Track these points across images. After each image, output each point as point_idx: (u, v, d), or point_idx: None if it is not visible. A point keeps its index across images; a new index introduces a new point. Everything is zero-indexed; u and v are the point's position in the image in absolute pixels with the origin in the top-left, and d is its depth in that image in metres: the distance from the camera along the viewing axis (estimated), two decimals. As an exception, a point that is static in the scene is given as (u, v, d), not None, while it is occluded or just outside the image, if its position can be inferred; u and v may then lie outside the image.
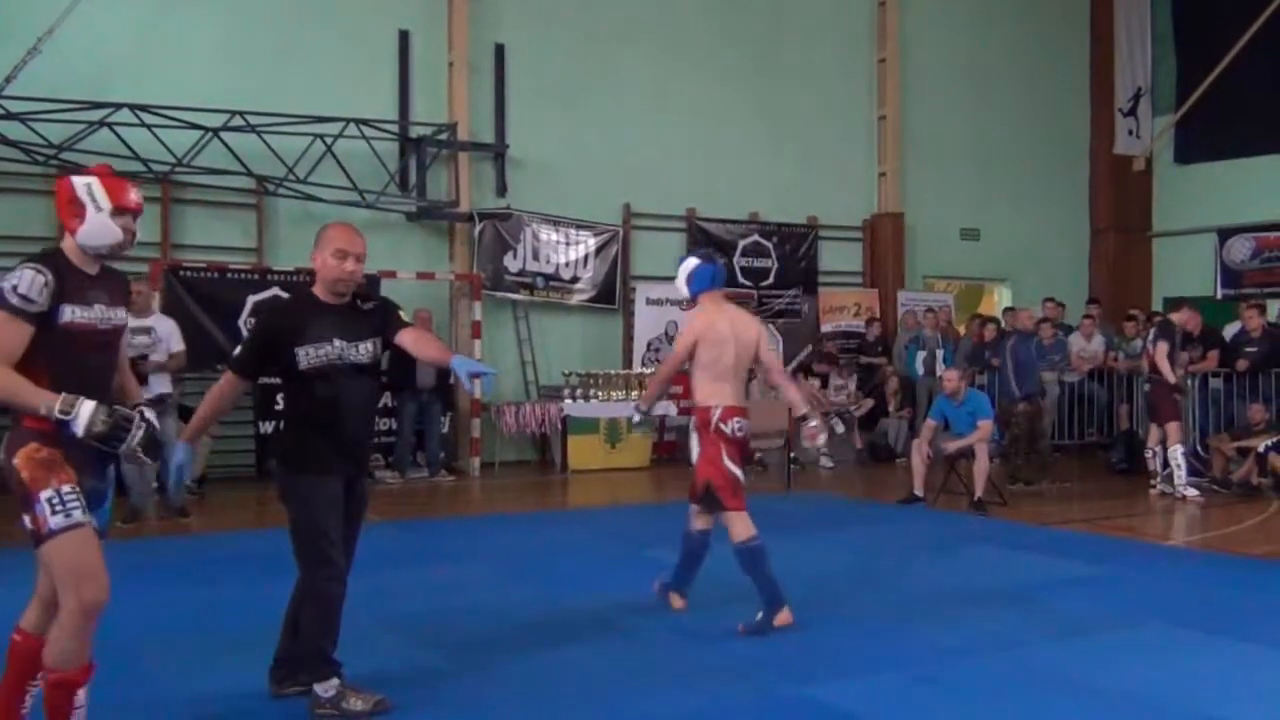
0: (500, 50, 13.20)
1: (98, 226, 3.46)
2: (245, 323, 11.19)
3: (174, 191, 11.53)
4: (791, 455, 11.69)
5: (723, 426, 5.41)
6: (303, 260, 11.75)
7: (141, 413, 3.47)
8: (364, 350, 4.18)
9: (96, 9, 10.62)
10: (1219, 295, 15.86)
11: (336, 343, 4.12)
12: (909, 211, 15.70)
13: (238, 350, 4.36)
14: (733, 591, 6.34)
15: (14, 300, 3.33)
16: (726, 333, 5.45)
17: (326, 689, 4.09)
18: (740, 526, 5.43)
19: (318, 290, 4.24)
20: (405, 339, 4.24)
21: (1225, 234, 16.10)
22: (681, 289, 5.69)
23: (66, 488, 3.31)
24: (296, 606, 4.28)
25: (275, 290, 11.06)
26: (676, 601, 5.83)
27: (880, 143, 15.68)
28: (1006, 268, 16.71)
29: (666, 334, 13.85)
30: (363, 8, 12.52)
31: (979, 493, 9.37)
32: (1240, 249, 16.13)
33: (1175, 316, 10.62)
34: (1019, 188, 16.55)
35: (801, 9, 15.22)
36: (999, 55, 16.54)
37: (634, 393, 12.72)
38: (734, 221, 14.70)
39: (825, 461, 12.78)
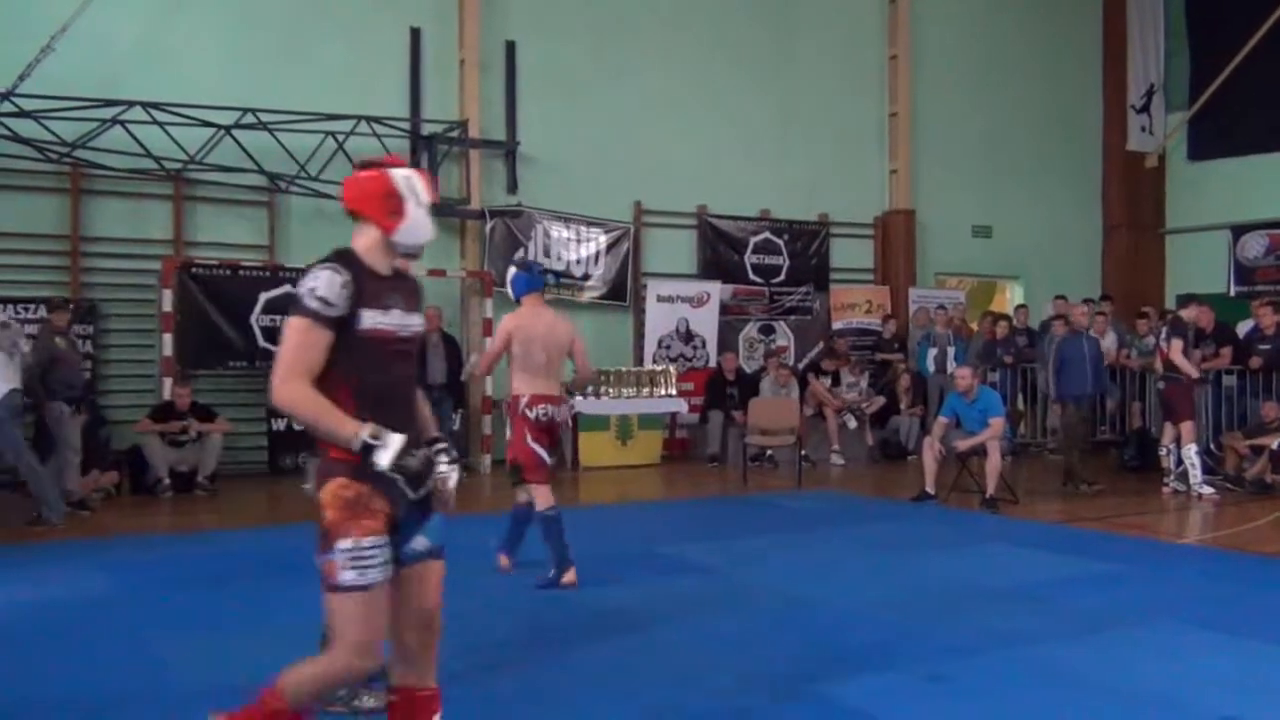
0: (511, 47, 13.20)
1: (418, 222, 3.16)
2: (257, 320, 11.25)
3: (186, 189, 11.57)
4: (803, 453, 11.68)
5: (528, 412, 6.27)
6: (314, 257, 11.83)
7: (448, 451, 3.20)
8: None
9: (109, 7, 10.66)
10: (1232, 292, 15.78)
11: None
12: (920, 208, 15.66)
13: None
14: (740, 593, 6.35)
15: (313, 304, 2.97)
16: (538, 331, 6.30)
17: None
18: (541, 498, 6.32)
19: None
20: None
21: (1239, 231, 16.01)
22: (509, 292, 6.63)
23: (368, 541, 2.97)
24: None
25: (287, 287, 11.09)
26: (503, 561, 6.69)
27: (892, 139, 15.64)
28: (1018, 265, 16.66)
29: (677, 331, 13.86)
30: (374, 5, 12.54)
31: (991, 490, 9.34)
32: (1254, 246, 16.05)
33: (1185, 313, 10.57)
34: (1031, 184, 16.49)
35: (812, 6, 15.18)
36: (1010, 51, 16.49)
37: (644, 390, 12.76)
38: (745, 219, 14.68)
39: (836, 459, 12.78)
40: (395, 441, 2.95)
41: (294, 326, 2.98)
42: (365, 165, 3.21)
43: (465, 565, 6.97)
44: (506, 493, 11.03)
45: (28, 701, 4.39)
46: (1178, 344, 10.04)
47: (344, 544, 2.95)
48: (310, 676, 3.07)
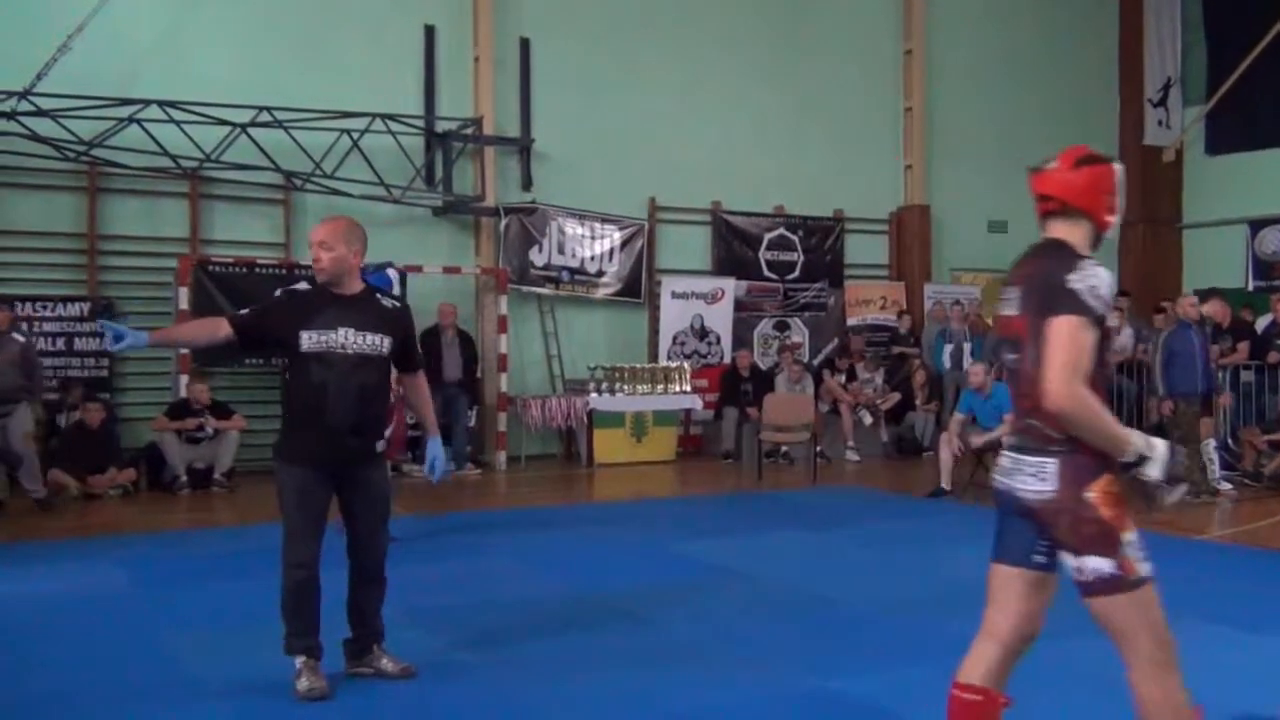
0: (525, 44, 13.20)
1: (1117, 218, 3.10)
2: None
3: (202, 187, 11.61)
4: (818, 449, 11.65)
5: None
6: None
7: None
8: (370, 341, 4.32)
9: (125, 7, 10.71)
10: (1250, 287, 15.67)
11: (341, 330, 4.28)
12: (935, 204, 15.61)
13: (247, 309, 4.60)
14: (756, 589, 6.34)
15: (1093, 302, 2.81)
16: None
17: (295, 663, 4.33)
18: None
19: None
20: (409, 383, 4.75)
21: (1257, 225, 15.88)
22: None
23: (1134, 534, 2.90)
24: (352, 593, 4.50)
25: (304, 284, 11.08)
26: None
27: (906, 135, 15.59)
28: (1034, 260, 16.55)
29: (692, 327, 13.84)
30: (389, 4, 12.55)
31: (1006, 486, 9.29)
32: (1272, 240, 15.93)
33: (1205, 308, 10.49)
34: (1047, 179, 16.36)
35: (827, 1, 15.13)
36: (1026, 46, 16.39)
37: (659, 386, 12.74)
38: (759, 215, 14.65)
39: (851, 455, 12.75)
40: (1162, 451, 2.87)
41: (1071, 325, 2.79)
42: (1090, 160, 3.15)
43: (490, 558, 7.02)
44: (523, 488, 11.12)
45: (46, 692, 4.43)
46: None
47: (1128, 537, 2.88)
48: (1151, 689, 2.98)
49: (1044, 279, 2.92)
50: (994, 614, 3.15)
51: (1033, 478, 2.92)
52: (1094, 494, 2.84)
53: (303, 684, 4.24)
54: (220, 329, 4.41)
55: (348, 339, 4.27)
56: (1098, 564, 2.87)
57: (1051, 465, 2.88)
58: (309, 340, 4.25)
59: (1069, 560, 2.96)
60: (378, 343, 4.33)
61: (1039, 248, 3.09)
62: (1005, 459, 3.04)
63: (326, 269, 4.38)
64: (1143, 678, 2.96)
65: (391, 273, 7.60)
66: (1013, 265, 3.21)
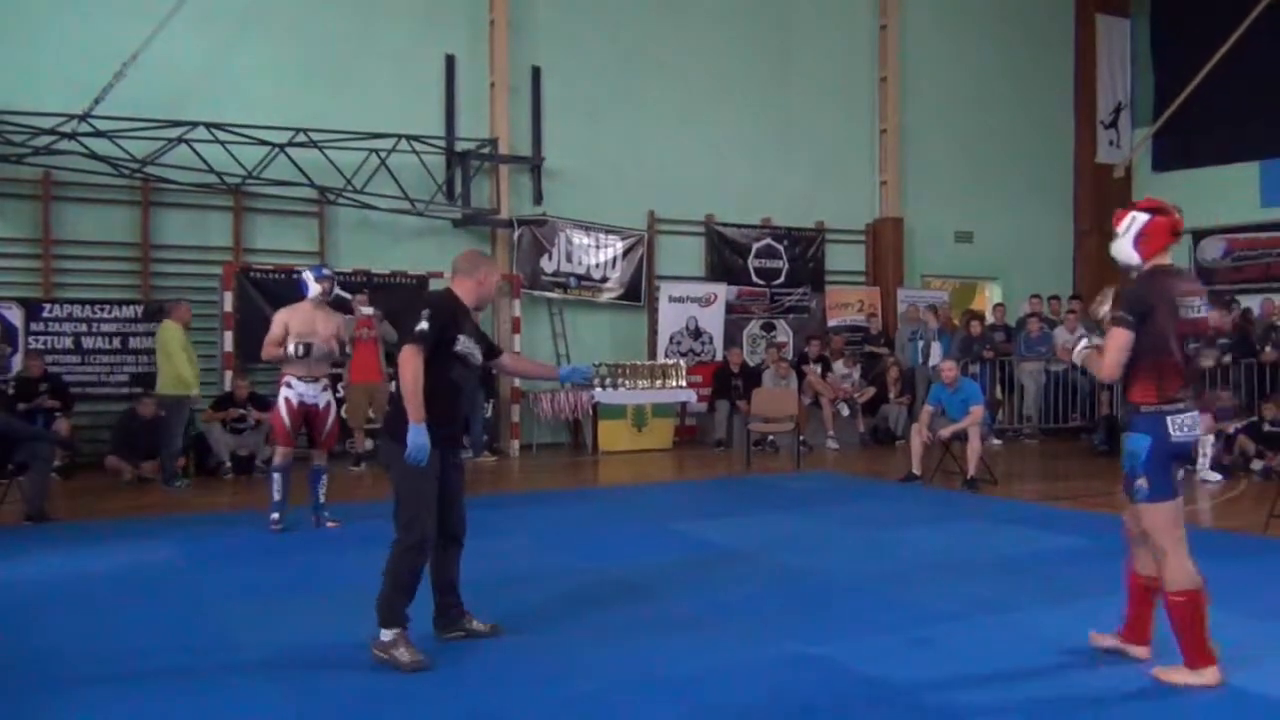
0: (537, 72, 13.21)
1: None
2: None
3: (245, 201, 11.62)
4: (801, 438, 11.66)
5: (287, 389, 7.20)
6: (361, 262, 11.89)
7: None
8: (478, 351, 4.58)
9: (175, 36, 10.70)
10: (1193, 292, 15.68)
11: (470, 340, 4.50)
12: (908, 216, 15.61)
13: (423, 327, 4.29)
14: (744, 564, 6.35)
15: None
16: (307, 324, 7.25)
17: (387, 634, 4.23)
18: (278, 457, 7.28)
19: (466, 299, 4.57)
20: (505, 359, 5.02)
21: (1199, 235, 15.90)
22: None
23: None
24: (433, 567, 4.49)
25: (336, 290, 11.08)
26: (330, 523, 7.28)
27: (881, 153, 15.59)
28: (997, 267, 16.58)
29: (687, 328, 13.86)
30: (413, 35, 12.56)
31: (972, 472, 9.31)
32: (1213, 249, 15.97)
33: None
34: (1009, 194, 16.39)
35: (810, 31, 15.14)
36: (990, 73, 16.40)
37: (658, 381, 12.75)
38: (748, 226, 14.66)
39: (831, 444, 12.76)
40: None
41: None
42: (1159, 210, 4.08)
43: (505, 537, 7.02)
44: (535, 474, 11.13)
45: (106, 654, 4.45)
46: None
47: None
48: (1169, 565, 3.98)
49: (1204, 290, 4.10)
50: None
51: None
52: None
53: (406, 656, 4.16)
54: (421, 362, 4.30)
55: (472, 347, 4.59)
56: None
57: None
58: (461, 344, 4.49)
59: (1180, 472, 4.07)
60: (479, 353, 4.65)
61: (1182, 267, 3.98)
62: (1188, 418, 3.97)
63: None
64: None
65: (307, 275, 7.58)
66: (1177, 279, 4.05)
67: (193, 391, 9.63)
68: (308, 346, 7.18)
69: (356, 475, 10.39)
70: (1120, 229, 4.09)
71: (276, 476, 7.27)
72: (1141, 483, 3.95)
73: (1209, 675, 3.89)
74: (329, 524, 7.27)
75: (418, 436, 4.23)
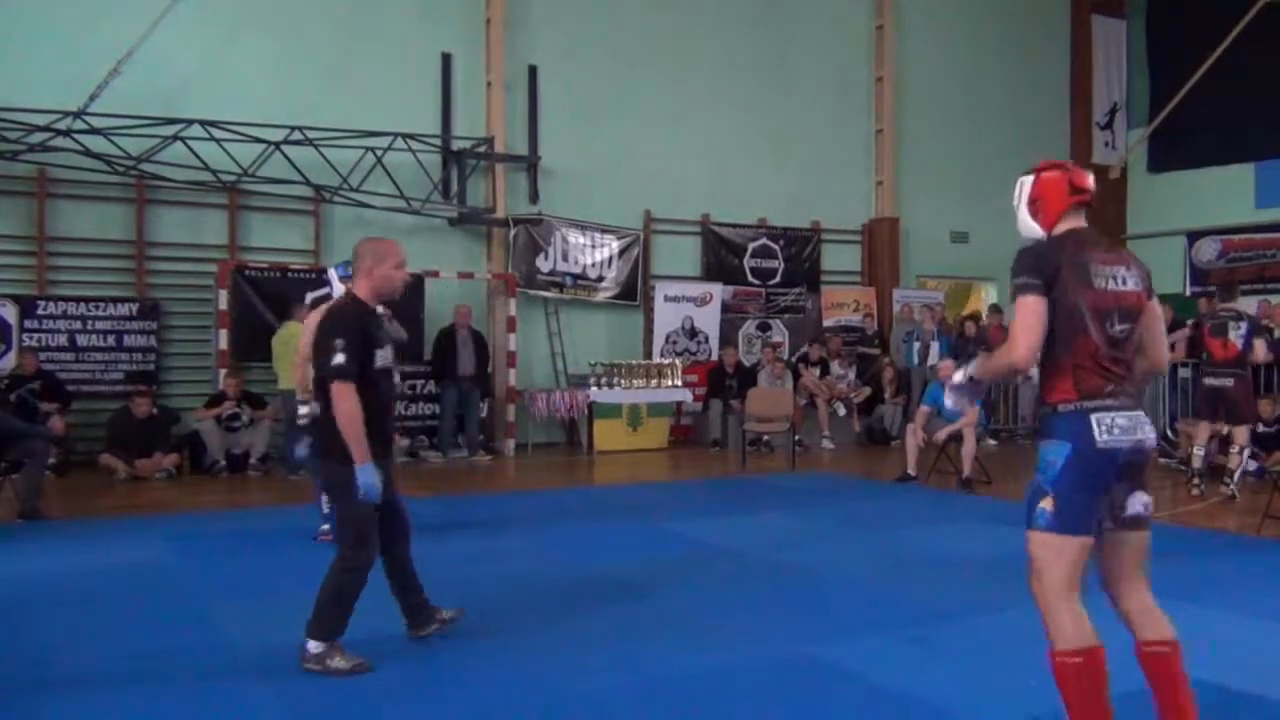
0: (533, 71, 13.19)
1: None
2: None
3: (240, 199, 11.59)
4: (796, 438, 11.66)
5: None
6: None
7: None
8: (391, 352, 4.31)
9: (171, 34, 10.67)
10: (1188, 292, 15.69)
11: (387, 349, 4.26)
12: (904, 216, 15.61)
13: (341, 361, 4.01)
14: (739, 564, 6.35)
15: None
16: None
17: (317, 645, 4.15)
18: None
19: (370, 300, 4.25)
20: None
21: (1194, 236, 15.94)
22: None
23: None
24: (389, 572, 4.44)
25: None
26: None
27: (877, 154, 15.59)
28: (993, 267, 16.53)
29: (683, 328, 13.85)
30: (409, 32, 12.53)
31: (966, 472, 9.32)
32: (1207, 250, 15.98)
33: None
34: (1005, 194, 15.92)
35: (806, 32, 15.13)
36: (986, 74, 16.41)
37: (653, 381, 12.74)
38: (744, 226, 14.66)
39: (827, 443, 12.76)
40: None
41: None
42: (1048, 167, 3.41)
43: (501, 536, 7.02)
44: (530, 473, 11.11)
45: (98, 653, 4.43)
46: (1261, 344, 8.84)
47: None
48: None
49: (1142, 266, 3.19)
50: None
51: (1149, 426, 3.09)
52: None
53: (343, 663, 4.11)
54: (357, 397, 4.09)
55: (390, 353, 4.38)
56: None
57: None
58: (381, 358, 4.27)
59: (1143, 498, 3.14)
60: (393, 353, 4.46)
61: (1105, 236, 3.23)
62: (1123, 418, 3.00)
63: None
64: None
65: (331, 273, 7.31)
66: (1090, 245, 3.13)
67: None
68: None
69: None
70: (1014, 201, 3.39)
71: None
72: (1045, 504, 3.01)
73: None
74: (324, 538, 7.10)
75: (368, 477, 4.01)
